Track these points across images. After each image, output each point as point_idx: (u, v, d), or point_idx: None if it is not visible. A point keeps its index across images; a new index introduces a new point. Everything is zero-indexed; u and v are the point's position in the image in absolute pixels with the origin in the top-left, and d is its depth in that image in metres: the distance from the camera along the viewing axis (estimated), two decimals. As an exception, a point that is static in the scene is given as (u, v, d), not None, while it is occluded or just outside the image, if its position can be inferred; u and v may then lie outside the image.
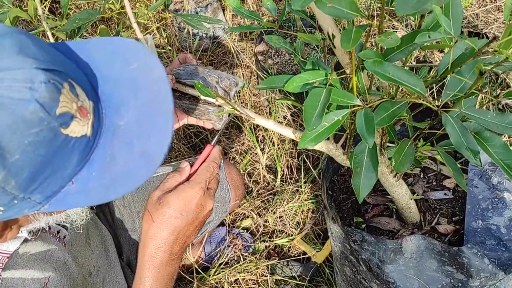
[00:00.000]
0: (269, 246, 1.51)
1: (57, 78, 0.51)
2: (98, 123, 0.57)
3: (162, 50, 2.12)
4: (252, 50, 2.08)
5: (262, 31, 1.88)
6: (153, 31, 2.21)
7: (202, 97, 0.81)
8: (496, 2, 2.17)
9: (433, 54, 1.84)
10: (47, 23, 0.88)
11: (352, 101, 0.63)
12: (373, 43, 1.79)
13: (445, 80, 0.77)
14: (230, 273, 1.40)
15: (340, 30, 0.69)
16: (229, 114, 0.84)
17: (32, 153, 0.50)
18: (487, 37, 1.86)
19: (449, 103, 0.69)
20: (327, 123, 0.61)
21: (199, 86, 0.73)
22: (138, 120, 0.58)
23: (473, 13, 2.12)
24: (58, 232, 0.85)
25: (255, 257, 1.46)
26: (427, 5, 0.44)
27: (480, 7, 2.15)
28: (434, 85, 1.63)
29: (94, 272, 0.92)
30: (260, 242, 1.52)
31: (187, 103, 0.84)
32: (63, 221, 0.79)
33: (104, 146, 0.58)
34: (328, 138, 0.82)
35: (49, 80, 0.50)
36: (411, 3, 0.42)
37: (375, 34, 0.63)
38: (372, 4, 1.93)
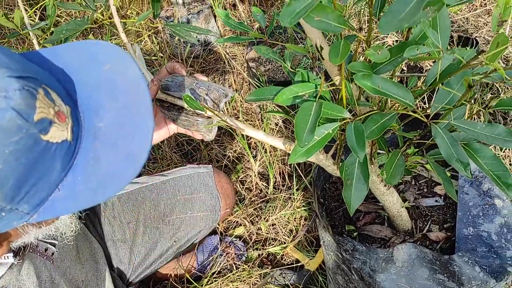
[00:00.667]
0: (262, 254, 1.50)
1: (31, 85, 0.51)
2: (77, 127, 0.57)
3: (153, 57, 2.11)
4: (243, 56, 2.07)
5: (253, 39, 1.88)
6: (144, 39, 2.20)
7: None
8: (486, 6, 2.18)
9: (423, 60, 1.85)
10: (34, 34, 0.88)
11: (342, 114, 0.63)
12: (364, 49, 1.80)
13: (436, 86, 0.78)
14: (223, 282, 1.40)
15: (331, 37, 0.69)
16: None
17: (15, 162, 0.49)
18: (477, 42, 1.87)
19: (439, 113, 0.69)
20: (317, 137, 0.61)
21: (188, 99, 0.73)
22: (118, 121, 0.57)
23: (463, 17, 2.13)
24: (46, 249, 0.84)
25: (248, 266, 1.45)
26: (410, 23, 0.44)
27: (470, 11, 2.17)
28: (424, 91, 1.64)
29: (82, 286, 0.91)
30: (253, 250, 1.51)
31: (176, 114, 0.83)
32: (53, 234, 0.78)
33: (87, 149, 0.57)
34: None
35: (23, 87, 0.50)
36: (393, 22, 0.42)
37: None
38: (362, 11, 1.94)
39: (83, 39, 2.19)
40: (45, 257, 0.82)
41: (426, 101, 1.62)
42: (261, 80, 1.77)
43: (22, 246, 0.75)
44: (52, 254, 0.84)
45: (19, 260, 0.75)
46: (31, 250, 0.80)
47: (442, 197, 1.16)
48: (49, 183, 0.54)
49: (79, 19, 0.92)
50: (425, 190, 1.19)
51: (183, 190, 1.20)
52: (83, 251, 0.97)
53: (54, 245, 0.85)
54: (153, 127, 0.56)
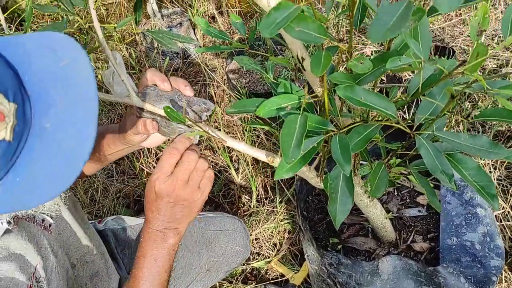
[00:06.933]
0: (246, 269, 1.47)
1: None
2: (22, 126, 0.55)
3: (132, 71, 2.08)
4: (224, 68, 2.06)
5: (233, 51, 1.87)
6: (122, 53, 2.17)
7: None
8: (461, 16, 2.22)
9: (404, 71, 1.87)
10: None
11: (326, 127, 0.62)
12: (343, 60, 1.81)
13: (418, 97, 0.78)
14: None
15: (313, 48, 0.68)
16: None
17: None
18: (453, 51, 1.90)
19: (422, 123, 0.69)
20: (302, 151, 0.60)
21: (168, 110, 0.71)
22: (64, 123, 0.56)
23: (440, 27, 2.17)
24: (43, 220, 0.83)
25: (232, 282, 1.43)
26: (398, 32, 0.43)
27: (446, 21, 2.20)
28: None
29: (78, 264, 0.92)
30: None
31: (158, 120, 0.82)
32: (49, 207, 0.79)
33: (30, 150, 0.56)
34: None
35: None
36: (382, 31, 0.41)
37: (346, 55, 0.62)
38: (341, 22, 1.95)
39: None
40: (42, 227, 0.81)
41: (406, 111, 1.64)
42: (241, 92, 1.75)
43: (16, 215, 0.75)
44: (50, 225, 0.84)
45: (13, 226, 0.74)
46: (28, 220, 0.79)
47: (425, 207, 1.16)
48: None
49: (58, 22, 0.89)
50: (408, 200, 1.18)
51: (228, 226, 1.28)
52: (89, 234, 0.98)
53: (51, 217, 0.84)
54: (95, 133, 0.56)
